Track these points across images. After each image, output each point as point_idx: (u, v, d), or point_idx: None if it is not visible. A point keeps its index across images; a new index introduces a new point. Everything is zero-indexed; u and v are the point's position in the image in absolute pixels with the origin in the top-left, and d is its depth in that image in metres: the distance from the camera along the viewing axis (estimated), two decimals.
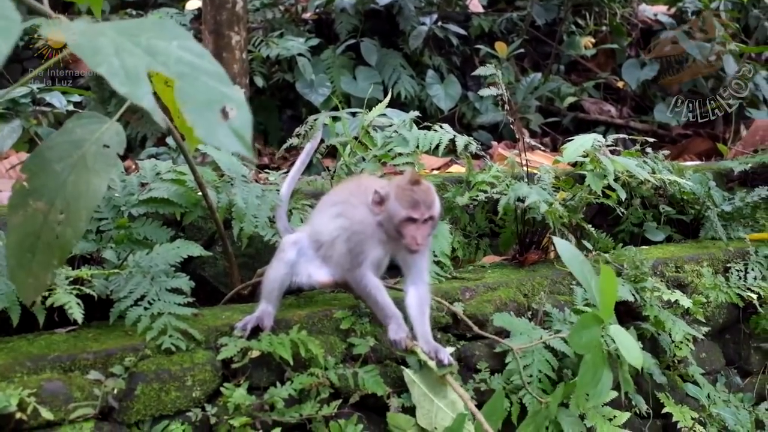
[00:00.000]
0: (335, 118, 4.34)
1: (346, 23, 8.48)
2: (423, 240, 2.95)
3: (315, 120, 4.15)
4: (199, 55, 1.76)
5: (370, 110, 4.35)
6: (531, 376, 3.39)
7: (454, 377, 3.13)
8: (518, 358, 3.38)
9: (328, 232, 3.15)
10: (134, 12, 8.26)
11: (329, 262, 3.17)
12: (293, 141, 4.18)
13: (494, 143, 7.65)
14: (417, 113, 4.42)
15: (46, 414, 2.48)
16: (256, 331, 2.99)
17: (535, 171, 4.47)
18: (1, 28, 1.50)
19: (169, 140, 6.14)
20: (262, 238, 3.67)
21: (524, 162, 4.39)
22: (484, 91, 4.30)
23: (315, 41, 8.19)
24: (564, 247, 3.09)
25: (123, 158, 2.71)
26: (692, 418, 3.96)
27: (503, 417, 3.27)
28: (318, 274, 3.19)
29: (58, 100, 5.97)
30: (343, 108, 4.46)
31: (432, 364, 3.02)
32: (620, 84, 9.44)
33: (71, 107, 6.02)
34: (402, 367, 3.17)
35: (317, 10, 9.04)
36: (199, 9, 7.92)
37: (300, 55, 7.75)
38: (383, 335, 3.17)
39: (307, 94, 7.81)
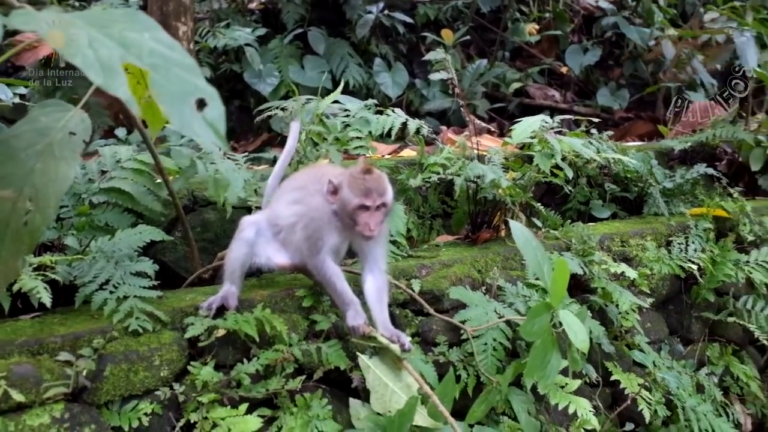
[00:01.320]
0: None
1: (293, 13, 8.52)
2: (376, 226, 3.00)
3: (296, 101, 4.20)
4: (170, 47, 1.80)
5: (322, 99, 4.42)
6: (486, 344, 3.51)
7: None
8: (471, 338, 3.49)
9: (285, 217, 3.21)
10: (77, 3, 8.14)
11: (288, 247, 3.23)
12: (278, 113, 4.21)
13: (443, 128, 7.79)
14: (373, 101, 4.50)
15: (17, 396, 2.51)
16: (221, 311, 3.05)
17: (485, 153, 4.60)
18: None
19: (119, 132, 6.12)
20: (221, 224, 3.71)
21: (475, 144, 4.51)
22: (435, 75, 4.42)
23: (262, 31, 8.22)
24: (518, 231, 3.17)
25: None
26: (639, 384, 4.15)
27: (459, 390, 3.40)
28: (277, 257, 3.25)
29: (3, 92, 5.88)
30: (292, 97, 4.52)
31: (395, 347, 3.11)
32: (564, 69, 9.66)
33: (17, 99, 5.93)
34: (357, 352, 3.24)
35: (263, 0, 9.05)
36: None
37: (247, 45, 7.77)
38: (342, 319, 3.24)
39: (256, 84, 7.82)
